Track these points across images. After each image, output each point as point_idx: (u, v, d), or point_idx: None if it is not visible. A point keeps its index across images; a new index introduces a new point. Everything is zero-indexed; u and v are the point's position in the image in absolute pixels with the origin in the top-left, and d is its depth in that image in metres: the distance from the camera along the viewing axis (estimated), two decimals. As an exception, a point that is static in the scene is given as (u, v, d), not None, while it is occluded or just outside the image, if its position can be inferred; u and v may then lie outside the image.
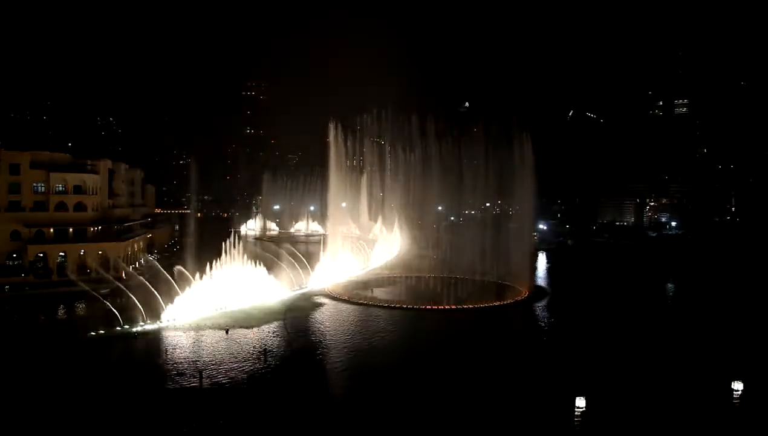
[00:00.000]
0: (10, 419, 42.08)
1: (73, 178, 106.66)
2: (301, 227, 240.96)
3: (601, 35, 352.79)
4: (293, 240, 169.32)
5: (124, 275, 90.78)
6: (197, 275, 77.26)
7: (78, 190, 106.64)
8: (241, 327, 68.17)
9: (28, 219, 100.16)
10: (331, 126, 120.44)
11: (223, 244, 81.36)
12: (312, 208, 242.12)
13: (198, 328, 67.93)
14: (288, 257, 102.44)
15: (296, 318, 74.88)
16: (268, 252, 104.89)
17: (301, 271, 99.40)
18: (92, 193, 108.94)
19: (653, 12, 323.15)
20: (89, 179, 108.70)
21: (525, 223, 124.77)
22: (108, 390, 47.54)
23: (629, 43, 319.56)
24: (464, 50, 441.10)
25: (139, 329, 66.74)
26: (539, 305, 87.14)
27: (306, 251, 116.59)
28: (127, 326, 66.67)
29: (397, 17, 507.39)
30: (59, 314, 78.07)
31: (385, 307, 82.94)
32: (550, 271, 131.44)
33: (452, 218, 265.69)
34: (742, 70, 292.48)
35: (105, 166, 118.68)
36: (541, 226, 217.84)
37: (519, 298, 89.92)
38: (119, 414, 42.90)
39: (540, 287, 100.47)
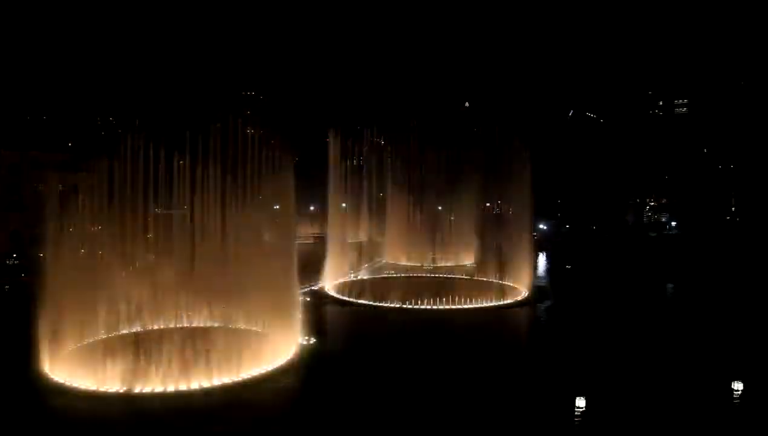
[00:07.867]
0: None
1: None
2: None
3: (601, 35, 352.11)
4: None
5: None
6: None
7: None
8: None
9: (28, 219, 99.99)
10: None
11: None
12: (312, 208, 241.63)
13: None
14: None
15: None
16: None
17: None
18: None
19: (654, 12, 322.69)
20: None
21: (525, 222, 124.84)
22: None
23: (629, 43, 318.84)
24: (464, 49, 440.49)
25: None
26: (540, 305, 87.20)
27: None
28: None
29: (396, 17, 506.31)
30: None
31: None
32: (550, 271, 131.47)
33: (452, 218, 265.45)
34: (742, 70, 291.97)
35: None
36: (541, 226, 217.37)
37: (519, 298, 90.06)
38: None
39: (540, 287, 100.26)
